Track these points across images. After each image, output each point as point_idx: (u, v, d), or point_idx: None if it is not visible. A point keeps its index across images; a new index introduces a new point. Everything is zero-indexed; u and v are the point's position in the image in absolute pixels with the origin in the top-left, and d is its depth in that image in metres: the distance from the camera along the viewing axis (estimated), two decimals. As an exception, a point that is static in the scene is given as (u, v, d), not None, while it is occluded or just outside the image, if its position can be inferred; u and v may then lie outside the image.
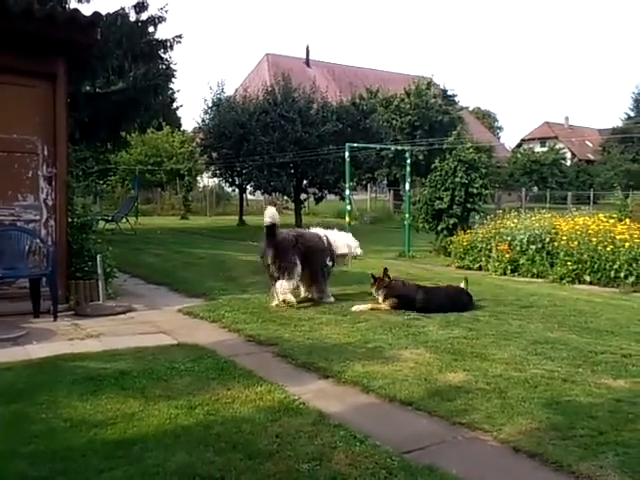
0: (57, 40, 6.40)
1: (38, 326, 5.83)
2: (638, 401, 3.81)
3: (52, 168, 6.65)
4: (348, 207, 14.38)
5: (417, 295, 6.85)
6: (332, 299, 7.35)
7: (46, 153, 6.64)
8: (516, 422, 3.45)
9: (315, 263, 7.31)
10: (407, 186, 15.25)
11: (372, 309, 6.76)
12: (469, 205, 13.96)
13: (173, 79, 17.79)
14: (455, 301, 6.91)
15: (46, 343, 5.18)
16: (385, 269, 7.18)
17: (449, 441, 3.30)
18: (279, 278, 6.95)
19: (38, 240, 6.51)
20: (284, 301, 6.87)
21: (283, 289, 6.90)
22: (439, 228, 14.14)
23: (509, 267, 10.64)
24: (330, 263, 7.49)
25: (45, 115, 6.60)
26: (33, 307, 6.24)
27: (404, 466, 2.90)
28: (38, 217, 6.63)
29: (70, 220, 6.97)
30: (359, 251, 7.88)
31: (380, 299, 6.92)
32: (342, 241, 7.70)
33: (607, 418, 3.50)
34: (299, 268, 7.04)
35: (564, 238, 10.09)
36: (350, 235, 7.98)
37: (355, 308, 6.74)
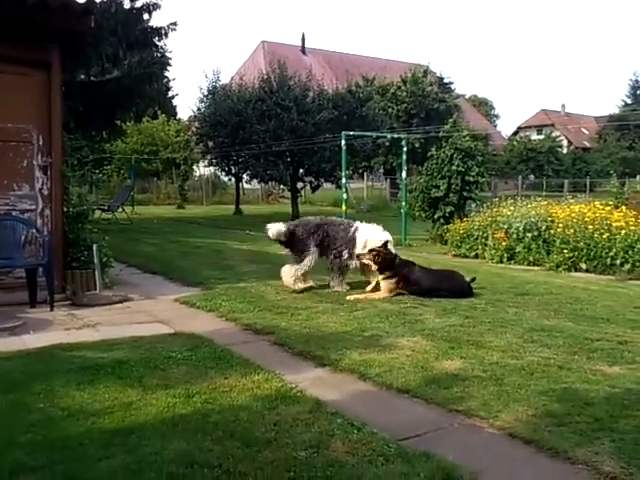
0: (51, 28, 6.34)
1: (35, 316, 5.82)
2: (634, 388, 3.83)
3: (47, 157, 6.61)
4: (344, 196, 14.35)
5: (415, 272, 7.00)
6: (341, 289, 7.24)
7: (41, 142, 6.60)
8: (512, 409, 3.47)
9: (331, 252, 7.26)
10: (403, 174, 15.24)
11: (367, 297, 6.77)
12: (465, 193, 13.95)
13: (168, 67, 17.75)
14: (453, 282, 7.03)
15: (43, 333, 5.18)
16: (385, 242, 6.96)
17: (446, 428, 3.32)
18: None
19: (34, 230, 6.49)
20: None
21: (285, 274, 7.16)
22: (436, 216, 14.14)
23: (505, 255, 10.65)
24: (346, 255, 7.18)
25: (40, 104, 6.56)
26: (29, 297, 6.23)
27: (401, 453, 2.91)
28: (34, 207, 6.60)
29: (66, 210, 6.94)
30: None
31: (381, 277, 6.94)
32: (363, 237, 7.11)
33: (603, 405, 3.52)
34: (311, 256, 7.15)
35: (560, 226, 10.10)
36: (378, 230, 7.27)
37: (351, 297, 6.75)
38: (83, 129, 16.69)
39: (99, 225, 10.99)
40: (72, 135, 16.75)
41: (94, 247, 6.74)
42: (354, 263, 7.23)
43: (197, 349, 4.62)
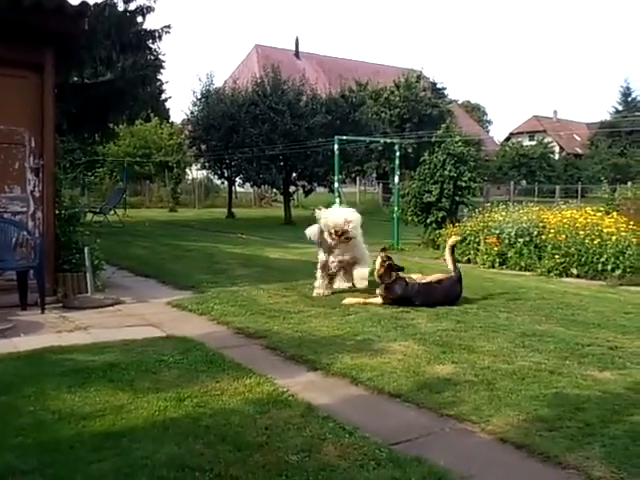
0: (44, 30, 6.33)
1: (25, 318, 5.80)
2: (624, 393, 3.85)
3: (39, 159, 6.59)
4: (337, 200, 14.36)
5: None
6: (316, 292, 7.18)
7: (33, 144, 6.58)
8: (504, 414, 3.47)
9: None
10: (396, 179, 15.27)
11: (365, 303, 6.70)
12: (458, 198, 13.99)
13: (162, 70, 17.73)
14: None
15: (34, 335, 5.16)
16: (388, 258, 6.73)
17: (437, 433, 3.32)
18: None
19: (25, 232, 6.47)
20: None
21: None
22: (428, 221, 14.16)
23: (497, 260, 10.68)
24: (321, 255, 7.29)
25: (32, 106, 6.54)
26: (20, 299, 6.20)
27: (392, 457, 2.91)
28: (25, 209, 6.58)
29: (58, 212, 6.91)
30: (351, 226, 7.02)
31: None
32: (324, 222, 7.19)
33: (594, 410, 3.53)
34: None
35: (552, 231, 10.14)
36: (335, 209, 7.74)
37: (346, 301, 6.73)
38: (76, 131, 16.64)
39: (91, 228, 10.95)
40: (64, 137, 16.73)
41: (86, 250, 6.72)
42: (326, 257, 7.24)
43: (189, 352, 4.61)
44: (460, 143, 14.54)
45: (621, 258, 9.22)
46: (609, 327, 5.78)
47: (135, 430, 3.15)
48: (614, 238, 9.40)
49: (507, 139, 64.75)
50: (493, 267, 10.57)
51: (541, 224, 10.55)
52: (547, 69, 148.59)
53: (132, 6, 14.41)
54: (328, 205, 8.56)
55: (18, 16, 6.05)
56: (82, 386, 3.79)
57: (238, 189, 30.88)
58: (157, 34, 15.19)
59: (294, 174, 24.11)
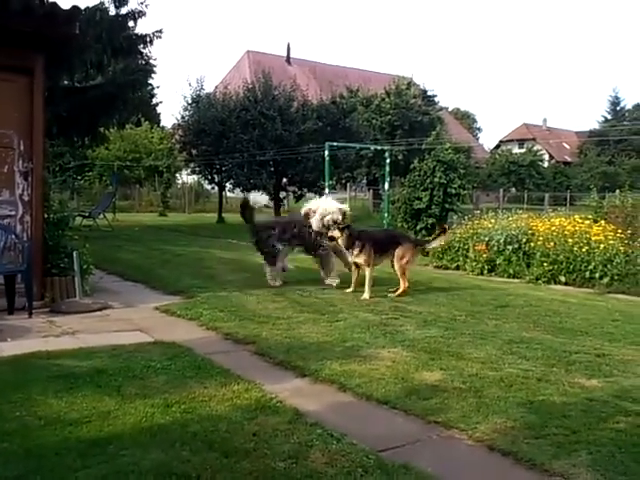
0: (34, 34, 6.30)
1: (12, 323, 5.75)
2: (610, 400, 3.87)
3: (28, 163, 6.56)
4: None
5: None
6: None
7: (22, 148, 6.54)
8: (491, 421, 3.48)
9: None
10: (386, 185, 15.34)
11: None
12: (447, 205, 14.07)
13: (153, 75, 17.64)
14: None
15: (20, 340, 5.12)
16: (343, 213, 7.79)
17: (424, 440, 3.33)
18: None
19: (13, 236, 6.42)
20: None
21: None
22: (418, 228, 14.23)
23: (486, 267, 10.72)
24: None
25: (22, 110, 6.51)
26: (7, 304, 6.15)
27: (380, 464, 2.91)
28: (13, 213, 6.54)
29: (46, 216, 6.88)
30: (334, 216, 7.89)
31: (356, 252, 7.66)
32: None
33: (580, 417, 3.55)
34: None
35: (540, 239, 10.19)
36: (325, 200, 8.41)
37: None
38: (65, 135, 16.54)
39: (80, 232, 10.89)
40: (54, 141, 16.65)
41: (74, 254, 6.68)
42: None
43: (177, 358, 4.59)
44: (450, 150, 14.63)
45: (609, 266, 9.28)
46: (596, 335, 5.82)
47: (122, 436, 3.14)
48: (602, 246, 9.47)
49: (497, 147, 65.02)
50: (482, 274, 10.61)
51: (530, 231, 10.60)
52: (537, 77, 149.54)
53: (123, 10, 14.37)
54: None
55: (6, 20, 6.01)
56: (69, 392, 3.76)
57: (228, 194, 30.83)
58: (148, 39, 15.14)
59: (285, 180, 24.15)
